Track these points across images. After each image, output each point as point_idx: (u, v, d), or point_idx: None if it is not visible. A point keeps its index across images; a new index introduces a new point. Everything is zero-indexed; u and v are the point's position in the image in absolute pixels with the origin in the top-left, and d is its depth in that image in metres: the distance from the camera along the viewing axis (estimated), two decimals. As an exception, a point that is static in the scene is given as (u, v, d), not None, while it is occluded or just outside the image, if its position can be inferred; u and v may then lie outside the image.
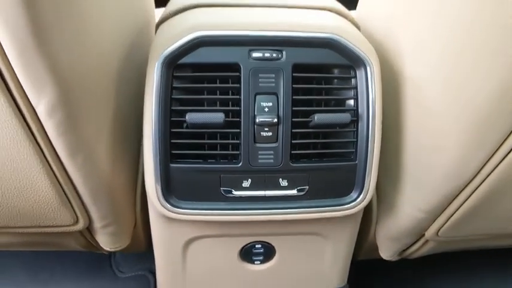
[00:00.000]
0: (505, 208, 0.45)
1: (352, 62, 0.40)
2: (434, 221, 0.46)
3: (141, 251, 0.64)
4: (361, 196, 0.42)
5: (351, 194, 0.42)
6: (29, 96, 0.32)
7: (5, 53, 0.29)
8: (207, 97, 0.39)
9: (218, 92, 0.39)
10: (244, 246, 0.49)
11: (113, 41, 0.39)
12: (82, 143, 0.37)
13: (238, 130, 0.39)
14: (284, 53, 0.39)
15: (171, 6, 0.44)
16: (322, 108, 0.41)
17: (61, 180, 0.39)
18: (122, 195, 0.47)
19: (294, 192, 0.41)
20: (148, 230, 0.51)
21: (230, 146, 0.40)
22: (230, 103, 0.39)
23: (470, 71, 0.34)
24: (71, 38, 0.32)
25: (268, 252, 0.50)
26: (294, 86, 0.39)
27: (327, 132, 0.41)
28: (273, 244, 0.49)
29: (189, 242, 0.48)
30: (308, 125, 0.40)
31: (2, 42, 0.29)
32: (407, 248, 0.56)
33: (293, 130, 0.40)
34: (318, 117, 0.39)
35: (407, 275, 0.79)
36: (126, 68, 0.43)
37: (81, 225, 0.46)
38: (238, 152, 0.40)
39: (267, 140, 0.40)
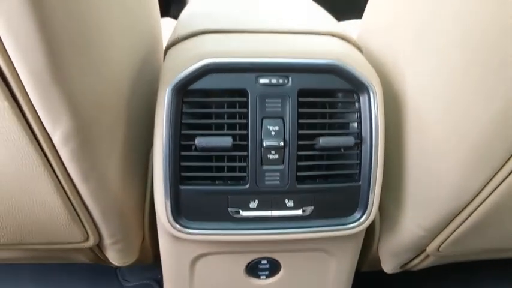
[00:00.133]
0: (506, 226, 0.46)
1: (355, 87, 0.41)
2: (435, 238, 0.48)
3: (148, 263, 0.65)
4: (364, 216, 0.43)
5: (355, 214, 0.44)
6: (45, 126, 0.33)
7: (22, 85, 0.31)
8: (216, 121, 0.41)
9: (226, 116, 0.41)
10: (250, 262, 0.50)
11: (124, 68, 0.41)
12: (95, 167, 0.38)
13: (246, 153, 0.41)
14: (290, 78, 0.40)
15: (180, 31, 0.45)
16: (327, 131, 0.42)
17: (73, 201, 0.41)
18: (131, 213, 0.49)
19: (299, 212, 0.43)
20: (156, 244, 0.52)
21: (238, 168, 0.41)
22: (238, 127, 0.41)
23: (471, 99, 0.35)
24: (86, 69, 0.33)
25: (274, 268, 0.51)
26: (299, 110, 0.41)
27: (332, 154, 0.42)
28: (279, 260, 0.51)
29: (197, 258, 0.49)
30: (313, 148, 0.41)
31: (20, 75, 0.30)
32: (409, 261, 0.57)
33: (299, 153, 0.41)
34: (322, 141, 0.41)
35: (411, 285, 0.80)
36: (136, 93, 0.44)
37: (91, 242, 0.47)
38: (245, 174, 0.41)
39: (273, 162, 0.41)
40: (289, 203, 0.42)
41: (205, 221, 0.42)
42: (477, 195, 0.40)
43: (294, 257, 0.51)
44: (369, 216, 0.43)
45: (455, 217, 0.44)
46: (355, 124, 0.42)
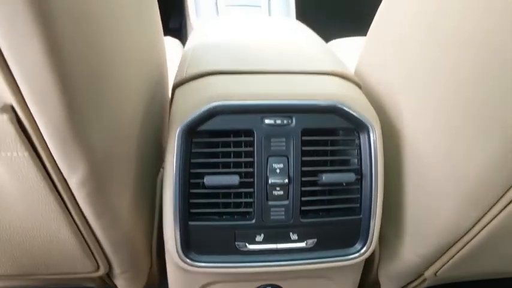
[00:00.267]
0: (501, 251, 0.48)
1: (355, 125, 0.43)
2: (432, 264, 0.50)
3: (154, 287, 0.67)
4: (365, 247, 0.45)
5: (356, 245, 0.46)
6: (62, 172, 0.35)
7: (42, 137, 0.32)
8: (223, 160, 0.42)
9: (233, 154, 0.43)
10: None
11: (135, 109, 0.43)
12: (108, 206, 0.40)
13: (252, 190, 0.43)
14: (294, 118, 0.42)
15: (188, 70, 0.47)
16: (329, 168, 0.44)
17: (86, 236, 0.42)
18: (139, 242, 0.50)
19: (303, 244, 0.45)
20: (163, 269, 0.54)
21: (244, 204, 0.43)
22: (244, 165, 0.43)
23: (469, 138, 0.37)
24: (101, 119, 0.35)
25: None
26: (303, 148, 0.43)
27: (334, 189, 0.44)
28: (282, 286, 0.53)
29: (204, 286, 0.51)
30: (316, 184, 0.43)
31: (40, 128, 0.32)
32: (408, 284, 0.59)
33: (302, 189, 0.43)
34: (325, 177, 0.43)
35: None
36: (145, 131, 0.46)
37: (101, 272, 0.49)
38: (251, 210, 0.43)
39: (278, 198, 0.43)
40: (294, 236, 0.44)
41: (214, 254, 0.44)
42: (473, 227, 0.42)
43: (297, 283, 0.53)
44: (370, 247, 0.45)
45: (452, 246, 0.46)
46: (356, 160, 0.44)
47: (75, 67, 0.30)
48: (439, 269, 0.50)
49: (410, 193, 0.46)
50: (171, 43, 0.99)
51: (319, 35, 1.16)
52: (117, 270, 0.50)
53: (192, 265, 0.44)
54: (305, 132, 0.43)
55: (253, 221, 0.43)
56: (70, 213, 0.39)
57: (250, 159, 0.42)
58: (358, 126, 0.43)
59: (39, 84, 0.29)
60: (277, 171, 0.43)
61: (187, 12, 1.07)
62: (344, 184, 0.44)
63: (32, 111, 0.30)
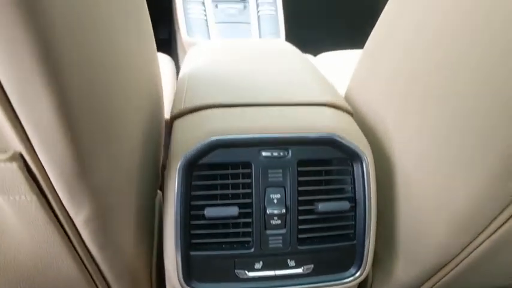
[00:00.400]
0: (493, 271, 0.50)
1: (349, 156, 0.45)
2: (424, 283, 0.52)
3: None
4: (359, 272, 0.47)
5: (350, 269, 0.48)
6: (68, 211, 0.36)
7: (48, 178, 0.33)
8: (223, 192, 0.44)
9: (232, 186, 0.44)
10: None
11: (137, 143, 0.44)
12: (111, 240, 0.41)
13: (251, 220, 0.44)
14: (290, 151, 0.44)
15: (186, 102, 0.49)
16: (324, 197, 0.46)
17: (89, 267, 0.43)
18: (140, 270, 0.51)
19: (300, 270, 0.46)
20: None
21: (243, 233, 0.45)
22: (243, 196, 0.44)
23: (459, 170, 0.39)
24: (106, 160, 0.36)
25: None
26: (299, 179, 0.44)
27: (329, 217, 0.46)
28: None
29: None
30: (312, 212, 0.45)
31: (46, 170, 0.33)
32: None
33: (299, 217, 0.45)
34: (321, 206, 0.45)
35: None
36: (146, 162, 0.47)
37: None
38: (250, 239, 0.45)
39: (276, 227, 0.45)
40: (291, 263, 0.46)
41: (214, 282, 0.46)
42: (464, 249, 0.44)
43: None
44: (364, 271, 0.47)
45: (444, 267, 0.48)
46: (350, 188, 0.46)
47: (83, 116, 0.31)
48: (432, 287, 0.52)
49: (402, 218, 0.48)
50: (162, 59, 0.99)
51: (308, 48, 1.18)
52: None
53: None
54: (301, 163, 0.44)
55: (252, 249, 0.45)
56: (75, 248, 0.40)
57: (249, 191, 0.44)
58: (351, 156, 0.45)
59: (49, 134, 0.30)
60: (275, 201, 0.44)
61: (177, 25, 1.08)
62: (339, 212, 0.46)
63: (40, 159, 0.31)
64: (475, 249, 0.44)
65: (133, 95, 0.42)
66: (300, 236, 0.45)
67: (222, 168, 0.44)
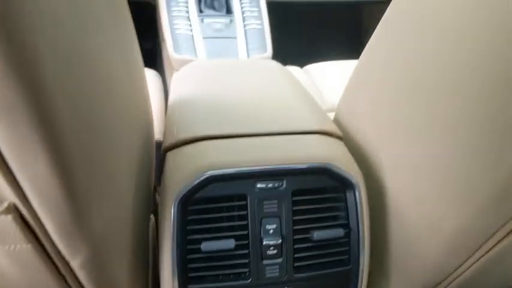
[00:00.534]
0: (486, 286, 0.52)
1: (342, 184, 0.46)
2: None
3: None
4: None
5: None
6: (64, 257, 0.36)
7: (44, 227, 0.33)
8: (219, 225, 0.44)
9: (228, 218, 0.44)
10: None
11: (131, 179, 0.43)
12: (108, 279, 0.41)
13: (247, 251, 0.44)
14: (285, 181, 0.45)
15: (178, 133, 0.48)
16: (319, 224, 0.46)
17: None
18: None
19: None
20: None
21: (240, 265, 0.45)
22: (239, 228, 0.44)
23: (449, 194, 0.40)
24: (102, 210, 0.36)
25: None
26: (294, 208, 0.45)
27: (324, 244, 0.47)
28: None
29: None
30: (308, 240, 0.46)
31: (42, 220, 0.32)
32: None
33: (295, 246, 0.45)
34: (316, 234, 0.45)
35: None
36: (139, 195, 0.47)
37: None
38: (247, 270, 0.45)
39: (272, 257, 0.45)
40: None
41: None
42: (456, 269, 0.46)
43: None
44: None
45: (438, 285, 0.49)
46: (343, 215, 0.47)
47: (79, 166, 0.31)
48: None
49: (394, 240, 0.49)
50: (148, 75, 0.99)
51: (294, 60, 1.19)
52: None
53: None
54: (295, 192, 0.45)
55: (250, 280, 0.45)
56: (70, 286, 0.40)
57: (244, 222, 0.44)
58: (344, 184, 0.46)
59: (45, 187, 0.29)
60: (271, 231, 0.45)
61: (162, 38, 1.07)
62: (333, 239, 0.47)
63: (36, 210, 0.31)
64: (468, 268, 0.45)
65: (127, 128, 0.42)
66: (296, 264, 0.46)
67: (218, 202, 0.44)
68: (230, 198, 0.44)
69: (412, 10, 0.43)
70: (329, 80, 1.06)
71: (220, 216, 0.44)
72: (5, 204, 0.31)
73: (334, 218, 0.47)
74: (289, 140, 0.48)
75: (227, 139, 0.47)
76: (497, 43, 0.32)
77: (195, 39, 0.98)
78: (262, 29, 1.05)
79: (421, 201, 0.43)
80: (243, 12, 1.05)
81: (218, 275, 0.45)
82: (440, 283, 0.48)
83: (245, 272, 0.45)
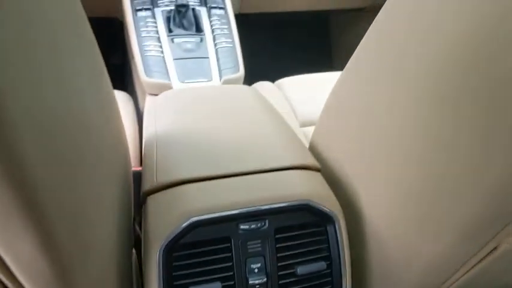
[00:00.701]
0: None
1: (323, 219, 0.47)
2: None
3: None
4: None
5: None
6: None
7: None
8: (204, 269, 0.44)
9: (212, 261, 0.45)
10: None
11: (115, 229, 0.43)
12: None
13: None
14: (267, 221, 0.45)
15: (159, 177, 0.48)
16: (302, 259, 0.47)
17: None
18: None
19: None
20: None
21: None
22: (224, 270, 0.45)
23: (425, 227, 0.42)
24: (87, 264, 0.36)
25: None
26: (277, 246, 0.46)
27: (308, 277, 0.48)
28: None
29: None
30: (292, 275, 0.47)
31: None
32: None
33: (280, 282, 0.46)
34: (300, 269, 0.46)
35: None
36: (124, 238, 0.46)
37: None
38: None
39: None
40: None
41: None
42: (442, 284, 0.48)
43: None
44: None
45: None
46: (325, 248, 0.48)
47: (63, 235, 0.30)
48: None
49: (375, 267, 0.51)
50: (120, 99, 0.97)
51: (264, 75, 1.20)
52: None
53: None
54: (278, 230, 0.46)
55: None
56: None
57: (229, 264, 0.45)
58: (325, 219, 0.47)
59: (32, 269, 0.29)
60: (256, 270, 0.45)
61: (130, 54, 1.06)
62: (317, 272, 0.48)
63: (20, 282, 0.31)
64: (452, 284, 0.47)
65: (107, 168, 0.41)
66: None
67: (202, 246, 0.44)
68: (214, 241, 0.44)
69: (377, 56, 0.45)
70: (301, 93, 1.08)
71: (205, 260, 0.45)
72: None
73: (317, 251, 0.49)
74: (269, 177, 0.49)
75: (208, 181, 0.48)
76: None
77: (166, 61, 0.97)
78: (234, 47, 1.05)
79: (398, 229, 0.45)
80: (213, 31, 1.05)
81: None
82: None
83: None
